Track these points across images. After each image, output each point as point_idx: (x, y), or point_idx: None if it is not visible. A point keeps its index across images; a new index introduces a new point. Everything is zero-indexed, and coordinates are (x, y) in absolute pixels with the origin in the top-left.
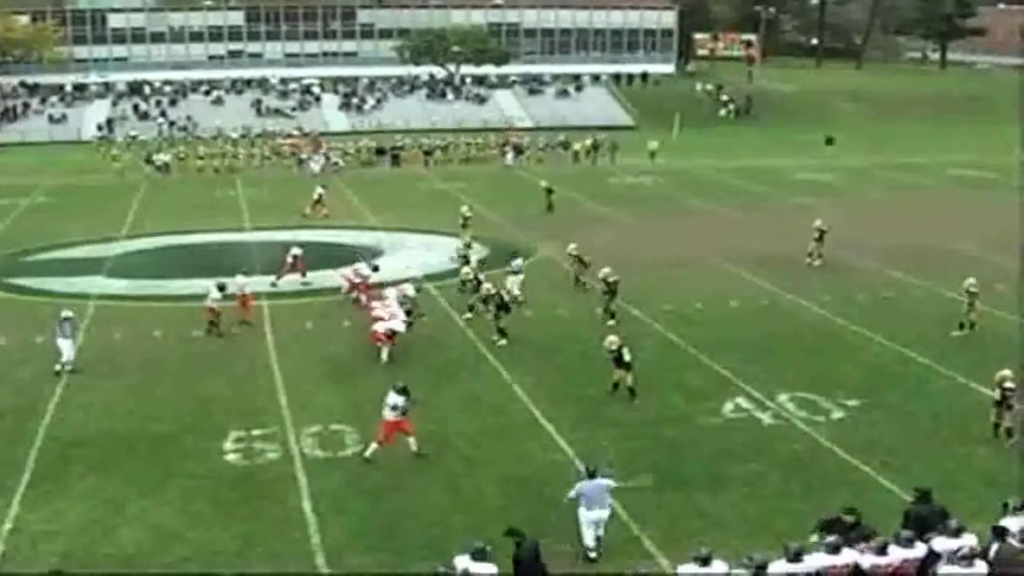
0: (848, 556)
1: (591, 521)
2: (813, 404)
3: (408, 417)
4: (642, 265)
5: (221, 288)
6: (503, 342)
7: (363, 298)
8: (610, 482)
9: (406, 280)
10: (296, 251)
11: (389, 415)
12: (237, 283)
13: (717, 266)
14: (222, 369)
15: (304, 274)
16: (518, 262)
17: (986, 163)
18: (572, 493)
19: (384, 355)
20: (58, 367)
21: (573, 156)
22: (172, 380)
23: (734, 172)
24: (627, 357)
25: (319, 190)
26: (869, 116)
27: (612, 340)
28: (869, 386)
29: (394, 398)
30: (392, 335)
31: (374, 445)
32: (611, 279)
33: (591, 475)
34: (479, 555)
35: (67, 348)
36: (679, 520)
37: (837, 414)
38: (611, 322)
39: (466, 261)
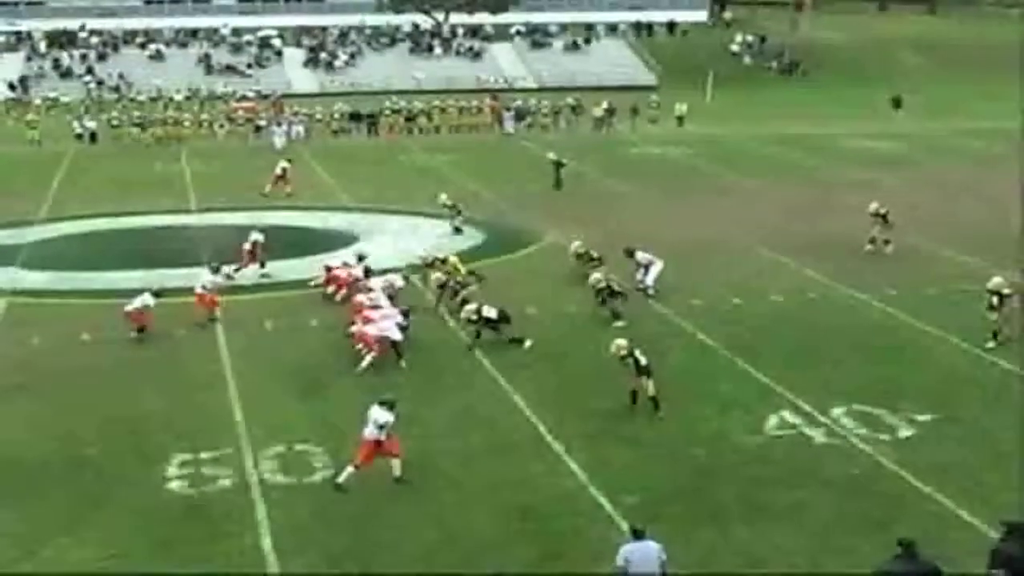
0: None
1: None
2: (875, 419)
3: (393, 436)
4: (668, 252)
5: (158, 295)
6: (529, 343)
7: (340, 294)
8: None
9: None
10: (256, 236)
11: (372, 434)
12: (206, 280)
13: (757, 253)
14: (164, 379)
15: (263, 264)
16: (644, 255)
17: None
18: (619, 561)
19: (365, 363)
20: None
21: (595, 123)
22: (102, 393)
23: (777, 140)
24: (643, 361)
25: (283, 164)
26: (943, 72)
27: (620, 344)
28: (943, 397)
29: (380, 414)
30: (383, 342)
31: (350, 469)
32: (600, 285)
33: (637, 536)
34: None
35: None
36: (711, 557)
37: (905, 431)
38: (619, 323)
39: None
